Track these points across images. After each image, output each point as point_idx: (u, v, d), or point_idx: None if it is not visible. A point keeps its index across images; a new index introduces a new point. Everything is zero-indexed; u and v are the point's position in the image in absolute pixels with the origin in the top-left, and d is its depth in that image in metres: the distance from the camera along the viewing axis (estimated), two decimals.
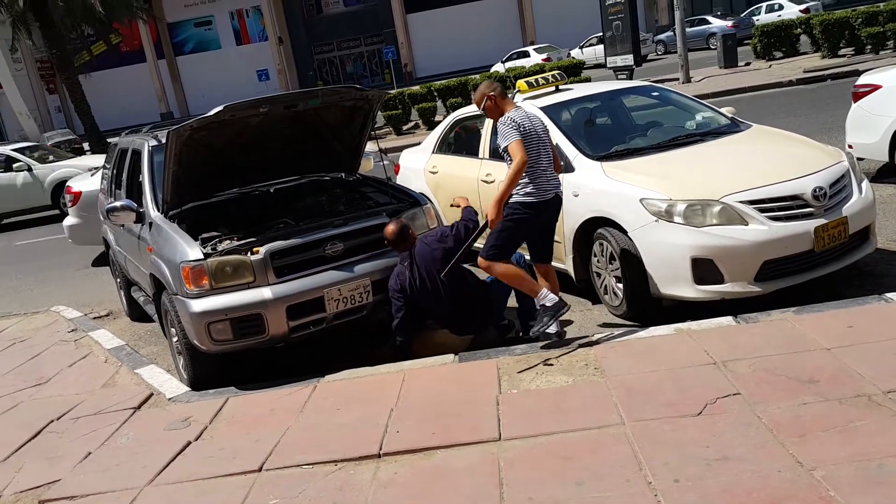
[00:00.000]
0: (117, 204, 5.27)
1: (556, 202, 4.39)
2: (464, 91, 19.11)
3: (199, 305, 4.35)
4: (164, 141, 4.92)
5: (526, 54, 30.92)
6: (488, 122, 6.02)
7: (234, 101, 4.49)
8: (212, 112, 4.44)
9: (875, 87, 6.78)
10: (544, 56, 29.27)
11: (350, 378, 4.42)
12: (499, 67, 28.37)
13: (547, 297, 4.33)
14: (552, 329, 4.31)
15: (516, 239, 4.37)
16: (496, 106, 4.42)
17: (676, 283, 4.35)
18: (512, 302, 4.87)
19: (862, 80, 7.10)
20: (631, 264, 4.48)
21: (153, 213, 5.07)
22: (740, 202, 4.26)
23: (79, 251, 10.31)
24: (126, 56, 43.23)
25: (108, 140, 16.89)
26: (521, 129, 4.18)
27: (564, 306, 4.33)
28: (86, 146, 22.05)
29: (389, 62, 37.43)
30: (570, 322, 4.94)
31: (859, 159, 6.89)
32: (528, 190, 4.23)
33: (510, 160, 4.16)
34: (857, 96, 6.93)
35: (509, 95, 5.68)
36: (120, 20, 24.12)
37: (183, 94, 44.35)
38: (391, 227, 4.58)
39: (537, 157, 4.24)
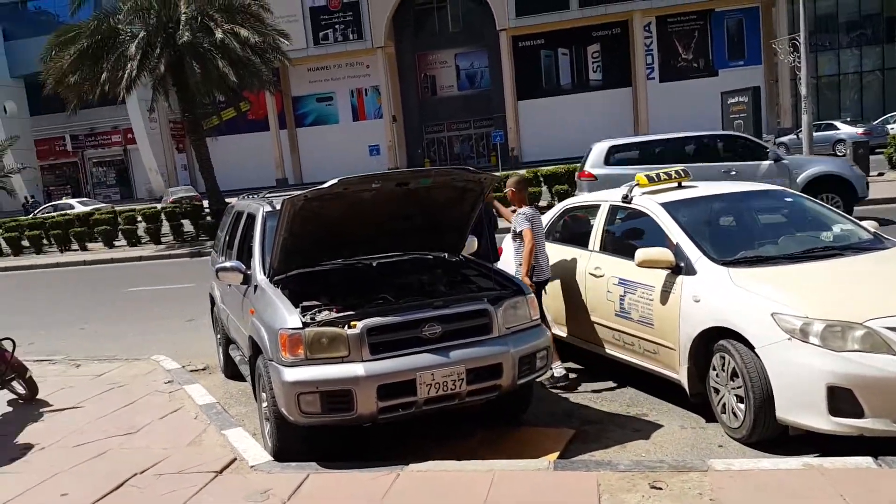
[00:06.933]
0: (227, 264, 5.38)
1: None
2: (570, 179, 19.04)
3: (291, 375, 4.26)
4: (278, 207, 4.99)
5: None
6: (602, 215, 5.81)
7: (349, 175, 4.54)
8: (327, 184, 4.49)
9: None
10: None
11: (435, 470, 4.16)
12: None
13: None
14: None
15: None
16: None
17: (808, 412, 3.89)
18: None
19: None
20: (756, 384, 4.06)
21: (259, 276, 5.11)
22: (888, 328, 3.79)
23: (184, 303, 10.67)
24: (251, 123, 46.09)
25: (227, 200, 17.81)
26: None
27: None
28: (205, 203, 23.28)
29: (497, 145, 38.08)
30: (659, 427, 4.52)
31: None
32: None
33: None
34: None
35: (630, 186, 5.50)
36: (251, 90, 25.90)
37: (299, 163, 46.59)
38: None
39: None
